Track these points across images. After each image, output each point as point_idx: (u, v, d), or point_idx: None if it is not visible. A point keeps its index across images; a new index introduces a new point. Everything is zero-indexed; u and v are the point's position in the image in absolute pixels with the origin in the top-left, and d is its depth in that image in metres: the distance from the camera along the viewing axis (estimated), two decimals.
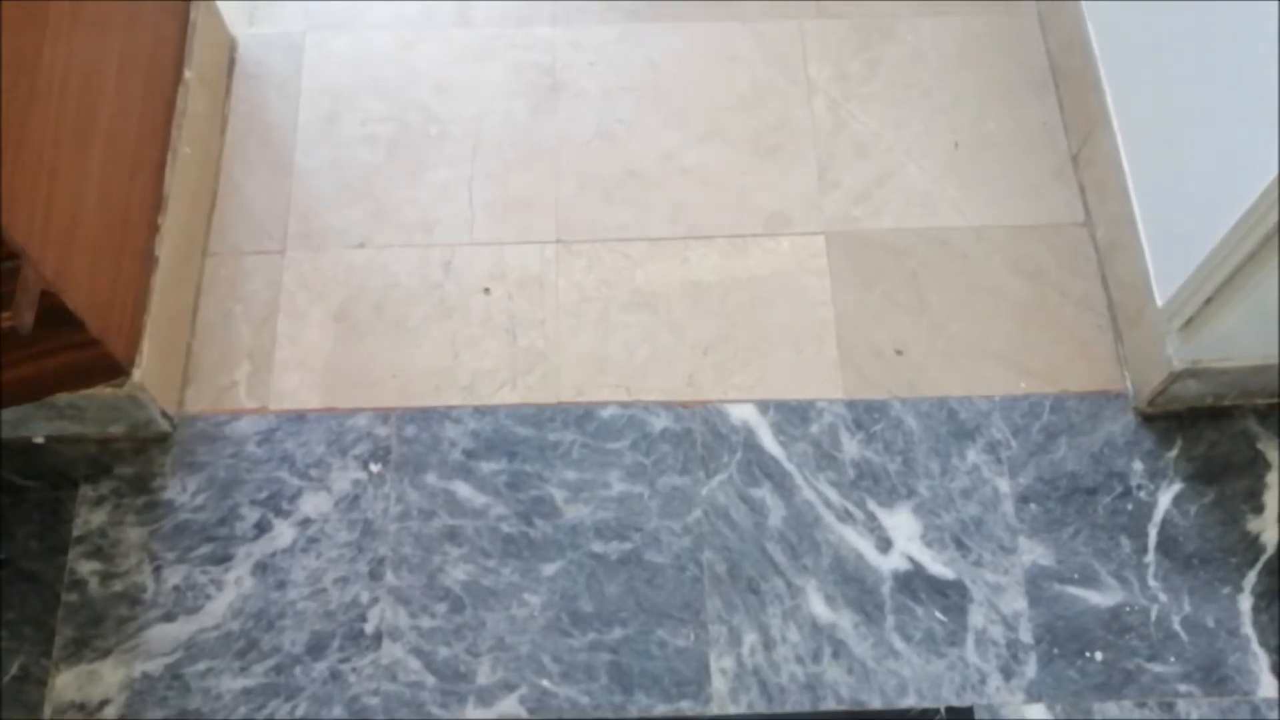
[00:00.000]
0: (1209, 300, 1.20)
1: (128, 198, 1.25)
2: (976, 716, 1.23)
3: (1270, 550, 1.31)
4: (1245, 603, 1.29)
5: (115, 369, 1.23)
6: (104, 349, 1.18)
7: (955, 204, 1.48)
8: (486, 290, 1.43)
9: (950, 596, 1.29)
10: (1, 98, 0.97)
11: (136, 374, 1.25)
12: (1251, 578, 1.30)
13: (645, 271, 1.45)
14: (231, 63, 1.56)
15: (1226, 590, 1.29)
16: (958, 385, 1.39)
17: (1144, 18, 1.31)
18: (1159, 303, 1.27)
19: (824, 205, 1.48)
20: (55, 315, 1.10)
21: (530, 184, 1.49)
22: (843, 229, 1.47)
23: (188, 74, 1.40)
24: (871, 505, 1.33)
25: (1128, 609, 1.28)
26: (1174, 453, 1.36)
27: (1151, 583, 1.29)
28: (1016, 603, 1.28)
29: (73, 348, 1.16)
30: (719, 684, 1.25)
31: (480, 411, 1.37)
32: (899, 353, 1.40)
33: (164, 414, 1.33)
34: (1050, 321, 1.42)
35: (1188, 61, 1.21)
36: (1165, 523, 1.32)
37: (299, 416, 1.37)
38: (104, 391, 1.25)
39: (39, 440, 1.34)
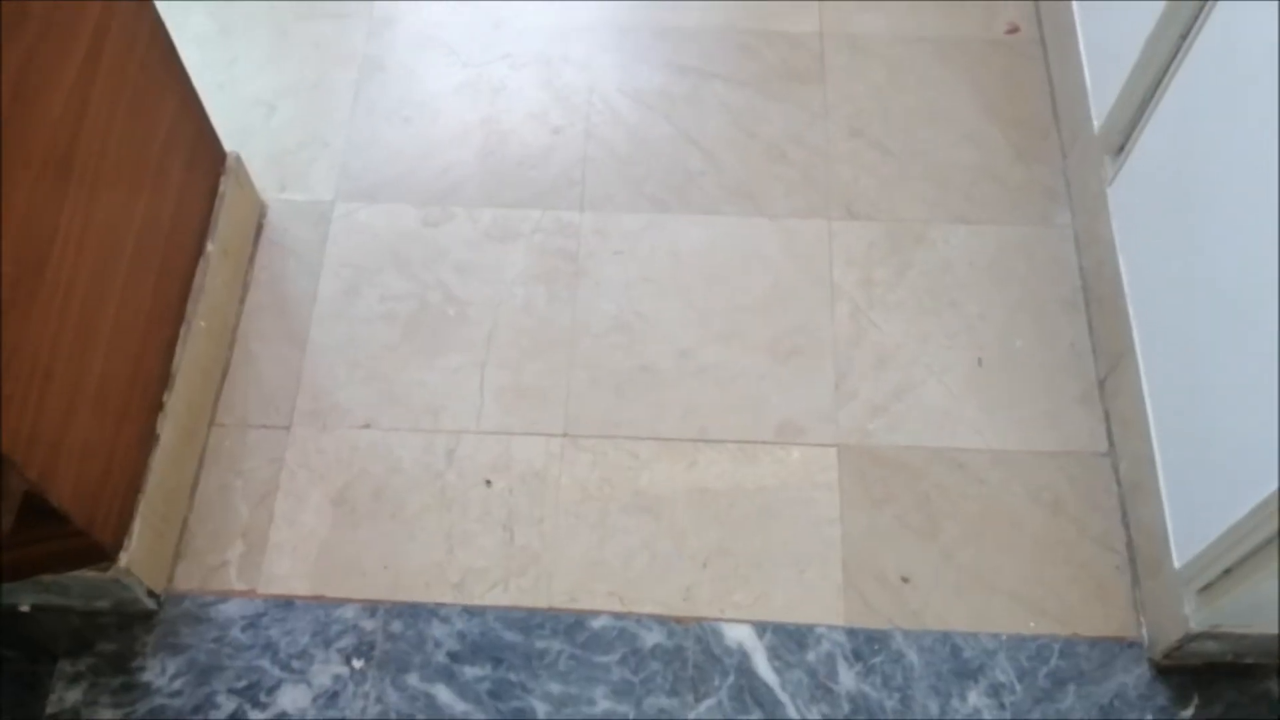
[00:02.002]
0: (1228, 571, 1.14)
1: (131, 382, 1.24)
2: None
3: None
4: None
5: (100, 555, 1.21)
6: (89, 539, 1.17)
7: (975, 424, 1.44)
8: (488, 483, 1.41)
9: None
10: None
11: (123, 558, 1.24)
12: None
13: (651, 473, 1.42)
14: (259, 228, 1.57)
15: None
16: (964, 619, 1.33)
17: (1172, 257, 1.27)
18: (1176, 564, 1.22)
19: (839, 416, 1.45)
20: (38, 510, 1.09)
21: (542, 373, 1.48)
22: (856, 443, 1.43)
23: (210, 247, 1.41)
24: None
25: None
26: (1189, 712, 1.29)
27: None
28: None
29: (56, 538, 1.15)
30: None
31: (469, 611, 1.34)
32: (905, 580, 1.36)
33: (150, 593, 1.31)
34: (1066, 558, 1.37)
35: (1215, 312, 1.16)
36: None
37: (287, 603, 1.34)
38: (88, 573, 1.24)
39: (24, 609, 1.33)
